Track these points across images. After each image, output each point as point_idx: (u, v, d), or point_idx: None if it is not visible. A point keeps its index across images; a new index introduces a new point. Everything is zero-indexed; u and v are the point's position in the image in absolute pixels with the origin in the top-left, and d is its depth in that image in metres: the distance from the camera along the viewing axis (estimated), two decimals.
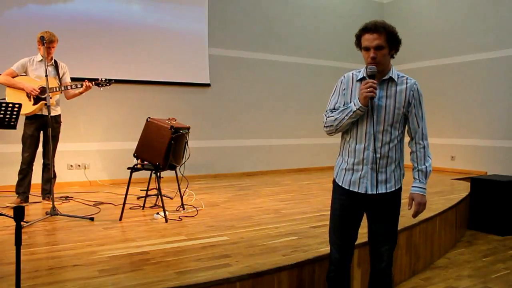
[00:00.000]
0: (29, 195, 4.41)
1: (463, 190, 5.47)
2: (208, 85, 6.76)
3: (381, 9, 8.84)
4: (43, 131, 4.34)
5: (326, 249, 2.80)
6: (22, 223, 1.79)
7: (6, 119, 3.37)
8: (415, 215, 2.15)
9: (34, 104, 4.19)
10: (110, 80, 4.47)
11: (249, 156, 7.21)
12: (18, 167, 4.32)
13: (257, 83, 7.32)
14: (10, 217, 3.31)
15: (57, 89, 4.26)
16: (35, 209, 4.17)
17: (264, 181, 6.37)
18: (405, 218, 3.76)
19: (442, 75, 7.69)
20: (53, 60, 4.39)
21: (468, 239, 4.82)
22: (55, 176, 4.46)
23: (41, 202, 4.47)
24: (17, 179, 4.32)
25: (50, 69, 4.33)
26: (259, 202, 4.71)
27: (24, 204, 4.25)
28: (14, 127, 3.49)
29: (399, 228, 3.41)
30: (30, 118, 4.24)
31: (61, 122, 4.54)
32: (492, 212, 5.02)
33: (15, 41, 5.22)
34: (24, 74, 4.26)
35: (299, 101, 7.62)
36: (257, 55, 7.29)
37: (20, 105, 3.45)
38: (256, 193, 5.30)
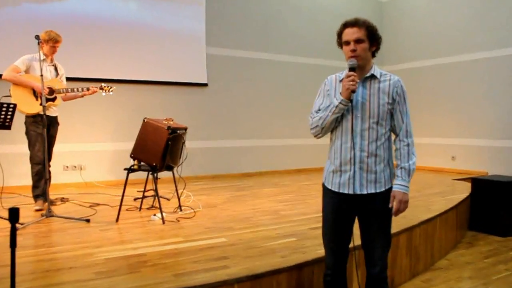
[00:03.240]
0: (24, 196, 4.40)
1: (463, 190, 5.48)
2: (205, 84, 6.76)
3: (379, 8, 8.85)
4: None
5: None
6: (17, 225, 1.79)
7: (1, 120, 3.37)
8: (396, 213, 2.13)
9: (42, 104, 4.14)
10: (111, 86, 4.55)
11: (248, 157, 7.21)
12: (18, 168, 4.25)
13: (255, 83, 7.32)
14: (5, 219, 3.30)
15: (64, 91, 4.23)
16: (30, 210, 4.15)
17: (263, 182, 6.37)
18: (406, 219, 3.77)
19: (442, 74, 7.70)
20: (54, 61, 4.37)
21: (469, 240, 4.83)
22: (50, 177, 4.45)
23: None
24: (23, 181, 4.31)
25: (52, 69, 4.32)
26: (258, 203, 4.71)
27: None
28: (8, 127, 3.49)
29: (399, 229, 3.45)
30: (35, 117, 4.10)
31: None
32: (493, 213, 5.03)
33: (9, 40, 5.21)
34: (25, 71, 4.14)
35: (297, 100, 7.62)
36: (254, 55, 7.29)
37: (14, 105, 3.44)
38: (254, 194, 5.30)
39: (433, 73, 7.86)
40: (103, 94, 4.54)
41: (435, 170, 7.67)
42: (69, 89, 4.27)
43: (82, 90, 4.33)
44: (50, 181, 4.26)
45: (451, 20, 7.53)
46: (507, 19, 6.71)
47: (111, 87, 4.53)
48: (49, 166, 4.33)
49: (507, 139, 6.71)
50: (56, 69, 4.37)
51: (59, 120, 4.49)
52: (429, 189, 5.63)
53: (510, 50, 6.68)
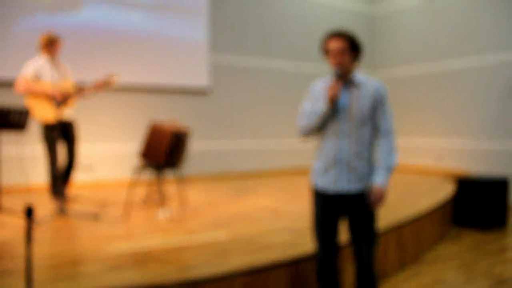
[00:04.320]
0: (39, 194, 4.40)
1: (449, 189, 5.51)
2: (208, 89, 6.77)
3: (372, 22, 8.87)
4: (63, 134, 4.23)
5: None
6: (32, 221, 1.80)
7: (18, 123, 3.38)
8: (373, 205, 2.16)
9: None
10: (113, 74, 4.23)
11: (248, 157, 7.22)
12: (35, 167, 4.21)
13: (256, 88, 7.34)
14: (21, 216, 3.30)
15: (76, 92, 4.12)
16: (43, 207, 4.15)
17: (262, 181, 6.38)
18: (393, 216, 3.79)
19: (430, 81, 7.72)
20: (56, 61, 4.23)
21: (454, 235, 4.85)
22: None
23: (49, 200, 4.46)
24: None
25: (58, 71, 4.20)
26: (257, 201, 4.72)
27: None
28: (23, 129, 3.49)
29: (388, 226, 3.47)
30: (51, 124, 3.98)
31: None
32: (476, 209, 5.06)
33: (25, 50, 5.19)
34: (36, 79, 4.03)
35: (295, 103, 7.56)
36: (255, 61, 7.32)
37: (28, 110, 3.44)
38: (254, 193, 5.31)
39: (421, 80, 7.88)
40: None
41: (422, 169, 7.69)
42: (80, 89, 4.15)
43: (94, 87, 4.14)
44: (66, 181, 4.28)
45: (438, 28, 7.56)
46: (491, 26, 6.74)
47: (113, 75, 4.18)
48: (73, 167, 4.33)
49: (489, 140, 6.74)
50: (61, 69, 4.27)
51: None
52: (416, 188, 5.65)
53: (493, 56, 6.71)
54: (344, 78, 2.16)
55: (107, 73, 4.26)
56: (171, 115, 5.70)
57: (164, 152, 3.80)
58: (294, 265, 2.70)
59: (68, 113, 4.23)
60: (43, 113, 3.95)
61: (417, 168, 7.80)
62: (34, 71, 4.00)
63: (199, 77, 6.68)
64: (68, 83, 4.19)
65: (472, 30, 7.04)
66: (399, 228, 3.65)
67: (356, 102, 2.15)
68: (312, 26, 7.94)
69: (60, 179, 3.97)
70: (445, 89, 7.48)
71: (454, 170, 7.16)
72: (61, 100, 4.02)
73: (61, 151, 4.27)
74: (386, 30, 8.64)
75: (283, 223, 3.68)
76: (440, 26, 7.58)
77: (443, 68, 7.53)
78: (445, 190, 5.38)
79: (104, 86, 4.17)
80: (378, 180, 2.14)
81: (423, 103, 7.85)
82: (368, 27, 8.77)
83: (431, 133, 7.71)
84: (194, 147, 6.01)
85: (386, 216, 3.73)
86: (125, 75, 5.97)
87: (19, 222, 3.43)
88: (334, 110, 2.14)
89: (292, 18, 7.75)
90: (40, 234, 3.23)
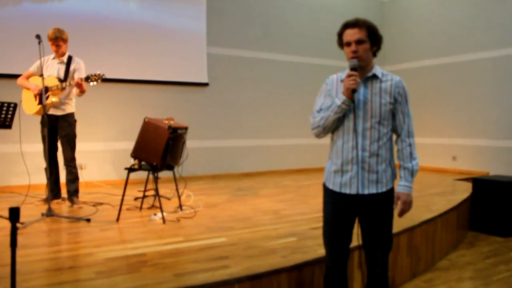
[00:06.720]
0: (25, 196, 4.41)
1: (464, 190, 5.48)
2: (206, 84, 6.76)
3: (381, 8, 8.85)
4: (55, 129, 4.37)
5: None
6: (17, 224, 1.79)
7: (1, 119, 3.38)
8: (400, 214, 2.14)
9: (39, 104, 4.19)
10: (99, 74, 4.12)
11: (248, 156, 7.21)
12: (19, 168, 4.34)
13: (256, 82, 7.33)
14: (5, 218, 3.31)
15: (54, 88, 4.17)
16: (31, 210, 4.16)
17: (263, 182, 6.37)
18: (407, 219, 3.77)
19: (443, 74, 7.70)
20: (65, 57, 4.35)
21: (469, 241, 4.83)
22: (77, 178, 4.48)
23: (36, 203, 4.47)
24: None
25: (60, 66, 4.33)
26: (258, 203, 4.71)
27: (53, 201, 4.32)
28: (9, 126, 3.49)
29: (399, 229, 3.46)
30: (42, 117, 4.21)
31: (74, 120, 4.46)
32: (494, 213, 5.04)
33: (10, 40, 5.22)
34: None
35: (298, 100, 7.63)
36: (255, 54, 7.30)
37: (15, 104, 3.45)
38: (255, 194, 5.30)
39: (434, 73, 7.86)
40: (91, 84, 4.19)
41: (436, 170, 7.67)
42: (59, 86, 4.16)
43: (70, 84, 4.19)
44: (77, 182, 4.45)
45: (452, 20, 7.53)
46: (509, 19, 6.70)
47: (99, 75, 4.10)
48: (71, 166, 4.43)
49: (508, 139, 6.71)
50: (68, 64, 4.33)
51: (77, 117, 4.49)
52: (430, 189, 5.63)
53: (511, 50, 6.68)
54: (362, 71, 2.11)
55: (89, 74, 4.17)
56: (167, 112, 5.70)
57: (160, 152, 3.79)
58: (297, 270, 2.70)
59: (61, 108, 4.32)
60: (26, 105, 4.31)
61: (432, 168, 7.78)
62: (36, 65, 4.31)
63: (197, 71, 6.67)
64: (52, 80, 4.23)
65: (488, 22, 7.01)
66: (411, 232, 3.64)
67: (375, 98, 2.09)
68: (318, 15, 7.92)
69: (52, 176, 4.15)
70: (459, 83, 7.45)
71: (471, 171, 7.14)
72: (36, 95, 4.21)
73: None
74: (395, 17, 8.61)
75: (285, 225, 3.67)
76: (453, 14, 7.54)
77: (456, 60, 7.50)
78: (461, 192, 5.35)
79: (81, 85, 4.18)
80: (403, 187, 2.12)
81: (435, 98, 7.82)
82: (377, 13, 8.74)
83: (446, 131, 7.68)
84: (193, 145, 6.00)
85: (397, 219, 3.71)
86: (118, 69, 5.98)
87: (3, 225, 3.44)
88: (351, 105, 2.08)
89: (297, 6, 7.73)
90: (26, 238, 3.23)
